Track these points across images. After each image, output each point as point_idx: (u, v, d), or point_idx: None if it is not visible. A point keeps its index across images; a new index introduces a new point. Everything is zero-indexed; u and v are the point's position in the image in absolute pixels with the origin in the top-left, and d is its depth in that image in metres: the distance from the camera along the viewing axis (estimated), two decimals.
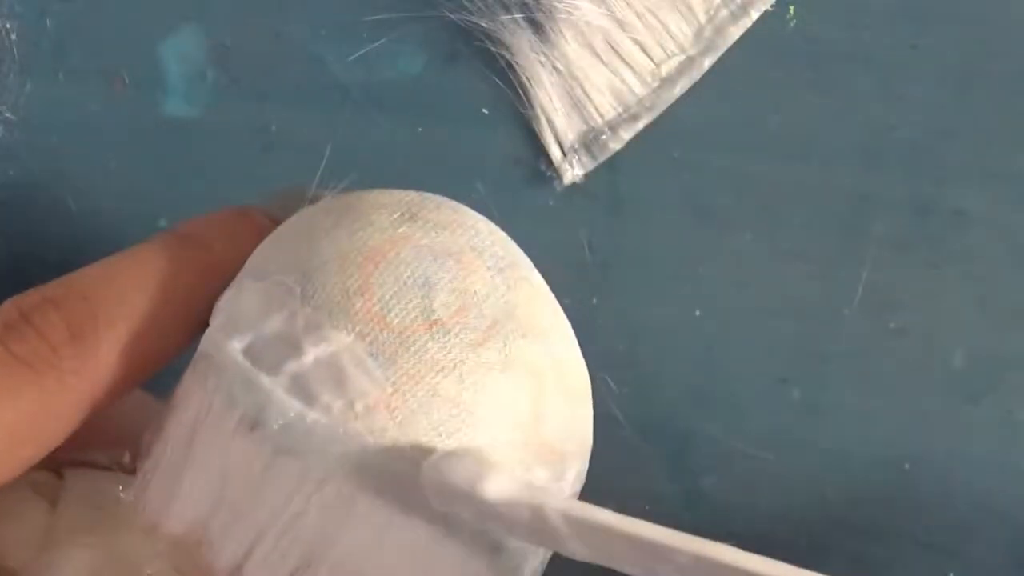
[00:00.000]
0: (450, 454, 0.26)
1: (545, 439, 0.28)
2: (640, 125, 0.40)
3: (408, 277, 0.28)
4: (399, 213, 0.30)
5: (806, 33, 0.40)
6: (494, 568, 0.28)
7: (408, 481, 0.26)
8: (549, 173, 0.40)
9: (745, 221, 0.40)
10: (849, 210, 0.40)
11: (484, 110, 0.41)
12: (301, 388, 0.27)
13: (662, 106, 0.40)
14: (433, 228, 0.29)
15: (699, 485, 0.39)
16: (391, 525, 0.27)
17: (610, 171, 0.40)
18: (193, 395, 0.28)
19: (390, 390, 0.27)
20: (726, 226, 0.40)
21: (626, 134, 0.40)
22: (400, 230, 0.29)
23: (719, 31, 0.40)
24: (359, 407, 0.27)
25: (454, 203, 0.31)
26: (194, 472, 0.28)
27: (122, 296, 0.29)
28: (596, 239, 0.40)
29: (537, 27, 0.40)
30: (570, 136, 0.40)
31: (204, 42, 0.41)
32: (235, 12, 0.41)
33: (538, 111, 0.40)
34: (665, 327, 0.40)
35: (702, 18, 0.41)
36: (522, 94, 0.40)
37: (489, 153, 0.41)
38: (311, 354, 0.27)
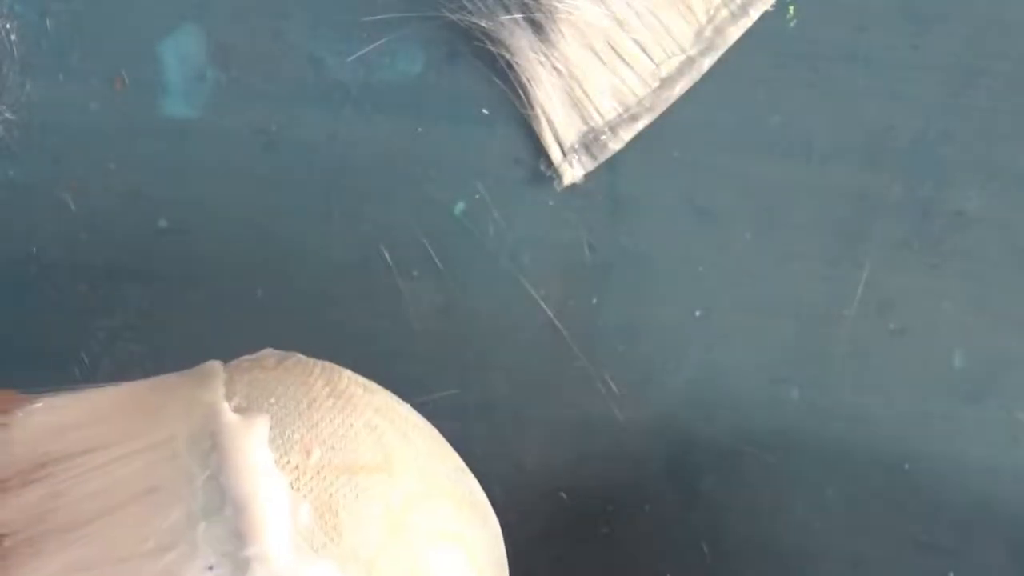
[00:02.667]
0: None
1: None
2: (640, 125, 0.40)
3: None
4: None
5: (806, 33, 0.40)
6: None
7: None
8: (549, 173, 0.40)
9: (745, 221, 0.40)
10: (849, 210, 0.40)
11: (484, 110, 0.41)
12: None
13: (662, 106, 0.40)
14: None
15: (699, 485, 0.39)
16: None
17: (610, 171, 0.40)
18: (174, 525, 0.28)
19: None
20: (726, 226, 0.40)
21: (626, 134, 0.40)
22: None
23: (719, 31, 0.40)
24: None
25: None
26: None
27: None
28: (596, 239, 0.40)
29: (537, 27, 0.40)
30: (570, 136, 0.40)
31: (204, 42, 0.41)
32: (235, 12, 0.41)
33: (538, 111, 0.40)
34: (665, 327, 0.40)
35: (702, 18, 0.41)
36: (522, 94, 0.40)
37: (489, 153, 0.41)
38: None
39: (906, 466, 0.39)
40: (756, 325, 0.40)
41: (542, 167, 0.41)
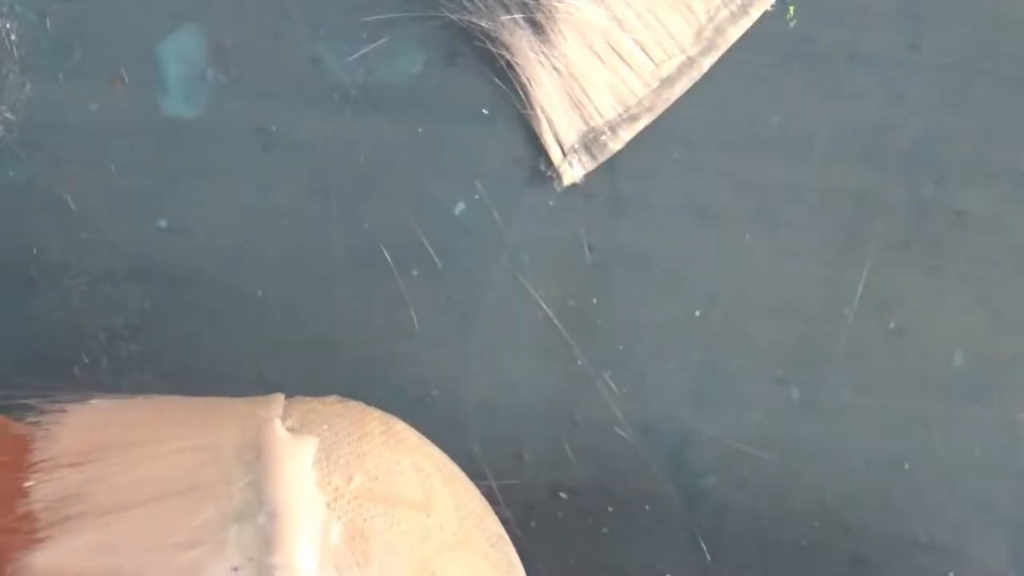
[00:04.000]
0: None
1: None
2: (640, 125, 0.40)
3: None
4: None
5: (806, 33, 0.40)
6: None
7: None
8: (549, 173, 0.40)
9: (745, 221, 0.40)
10: (849, 210, 0.40)
11: (484, 110, 0.41)
12: None
13: (662, 106, 0.40)
14: None
15: (699, 485, 0.39)
16: None
17: (610, 171, 0.40)
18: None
19: None
20: (726, 226, 0.40)
21: (626, 134, 0.40)
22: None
23: (719, 31, 0.40)
24: None
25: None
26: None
27: None
28: (596, 239, 0.40)
29: (537, 27, 0.40)
30: (570, 136, 0.40)
31: (204, 42, 0.41)
32: (235, 12, 0.41)
33: (538, 111, 0.40)
34: (665, 327, 0.40)
35: (702, 18, 0.41)
36: (522, 94, 0.40)
37: (489, 153, 0.41)
38: None
39: (906, 466, 0.39)
40: (756, 325, 0.40)
41: (542, 167, 0.41)
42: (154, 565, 0.27)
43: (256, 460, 0.28)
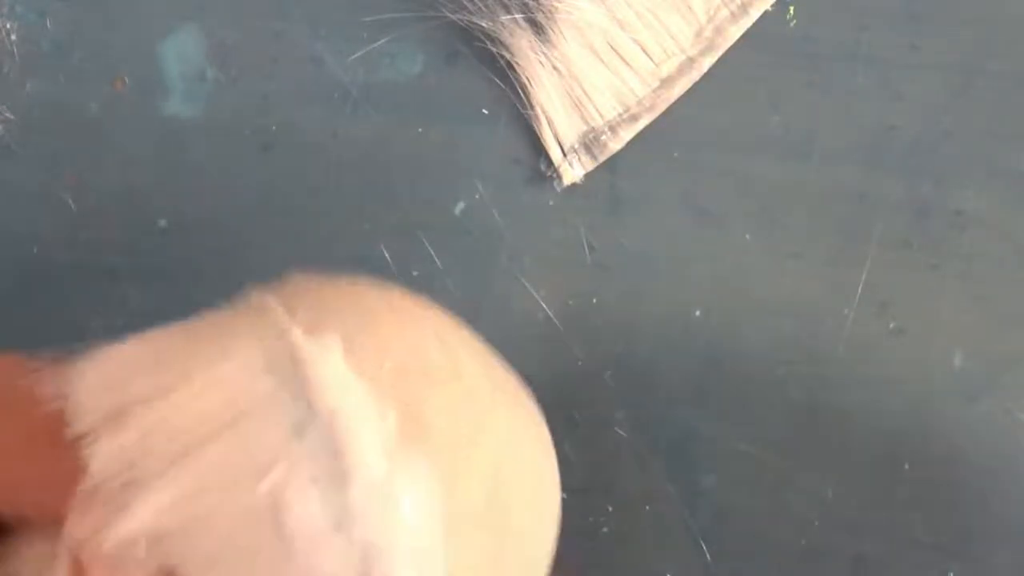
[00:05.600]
0: None
1: None
2: (640, 125, 0.40)
3: None
4: None
5: (806, 33, 0.40)
6: None
7: None
8: (549, 173, 0.40)
9: (745, 221, 0.40)
10: (849, 210, 0.40)
11: (484, 110, 0.41)
12: None
13: (662, 106, 0.40)
14: None
15: (699, 485, 0.39)
16: None
17: (610, 171, 0.40)
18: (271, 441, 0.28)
19: None
20: (726, 226, 0.40)
21: (626, 134, 0.40)
22: None
23: (719, 31, 0.40)
24: None
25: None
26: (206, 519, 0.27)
27: None
28: (596, 239, 0.40)
29: (537, 27, 0.40)
30: (570, 136, 0.40)
31: (204, 42, 0.41)
32: (235, 12, 0.41)
33: (538, 111, 0.40)
34: (665, 327, 0.40)
35: (702, 18, 0.41)
36: (522, 94, 0.40)
37: (489, 153, 0.41)
38: None
39: (906, 466, 0.39)
40: (756, 325, 0.40)
41: (542, 167, 0.41)
42: (235, 502, 0.27)
43: (292, 373, 0.28)
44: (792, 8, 0.40)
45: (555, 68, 0.40)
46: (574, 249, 0.40)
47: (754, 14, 0.40)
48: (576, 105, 0.40)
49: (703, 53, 0.40)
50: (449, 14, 0.40)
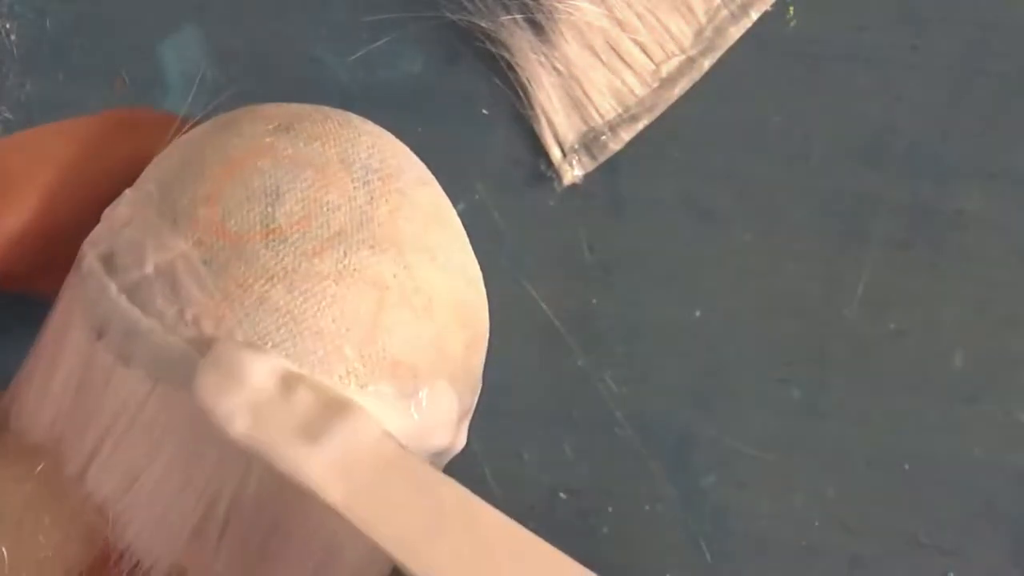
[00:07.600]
0: (215, 356, 0.26)
1: (389, 353, 0.28)
2: (640, 125, 0.40)
3: (258, 186, 0.28)
4: (275, 124, 0.29)
5: (806, 33, 0.40)
6: None
7: None
8: (549, 173, 0.40)
9: (745, 221, 0.40)
10: (849, 210, 0.40)
11: (484, 110, 0.41)
12: (141, 296, 0.27)
13: (662, 106, 0.40)
14: (305, 139, 0.29)
15: (699, 485, 0.39)
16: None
17: (610, 171, 0.40)
18: (61, 302, 0.29)
19: (218, 297, 0.27)
20: (726, 226, 0.40)
21: (626, 134, 0.40)
22: (266, 140, 0.29)
23: (719, 31, 0.40)
24: (188, 315, 0.27)
25: (347, 116, 0.30)
26: (56, 379, 0.28)
27: (48, 153, 0.30)
28: (596, 239, 0.40)
29: (537, 27, 0.40)
30: (570, 136, 0.40)
31: (204, 42, 0.41)
32: (235, 12, 0.41)
33: (538, 111, 0.40)
34: (665, 327, 0.40)
35: (702, 18, 0.41)
36: (522, 94, 0.40)
37: (489, 153, 0.41)
38: (151, 262, 0.27)
39: (906, 466, 0.39)
40: (756, 325, 0.40)
41: (542, 167, 0.41)
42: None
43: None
44: (792, 8, 0.40)
45: (555, 68, 0.40)
46: (574, 249, 0.40)
47: (754, 14, 0.40)
48: (576, 105, 0.40)
49: (703, 53, 0.41)
50: (449, 14, 0.40)
